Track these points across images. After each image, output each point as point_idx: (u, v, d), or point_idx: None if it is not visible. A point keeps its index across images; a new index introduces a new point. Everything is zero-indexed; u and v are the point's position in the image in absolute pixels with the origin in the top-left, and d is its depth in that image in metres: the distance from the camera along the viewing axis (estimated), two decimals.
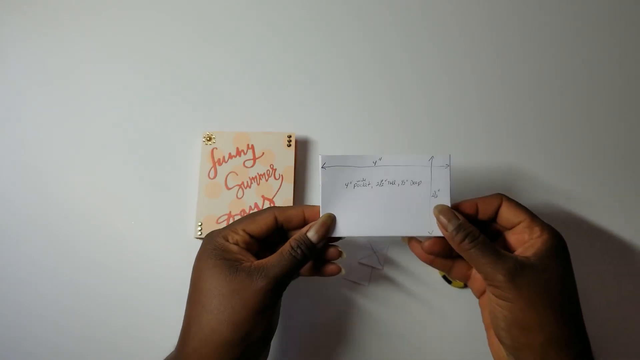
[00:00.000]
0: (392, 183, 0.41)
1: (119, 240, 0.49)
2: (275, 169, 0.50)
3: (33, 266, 0.49)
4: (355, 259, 0.49)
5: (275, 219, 0.41)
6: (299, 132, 0.52)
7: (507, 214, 0.41)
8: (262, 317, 0.37)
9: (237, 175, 0.49)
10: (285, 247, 0.39)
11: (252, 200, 0.49)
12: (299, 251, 0.39)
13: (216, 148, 0.50)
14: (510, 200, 0.41)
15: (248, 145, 0.50)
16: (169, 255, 0.49)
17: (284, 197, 0.49)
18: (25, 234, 0.49)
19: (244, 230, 0.40)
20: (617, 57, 0.54)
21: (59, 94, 0.52)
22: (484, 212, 0.41)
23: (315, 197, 0.51)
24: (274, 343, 0.44)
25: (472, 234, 0.39)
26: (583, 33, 0.55)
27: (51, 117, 0.52)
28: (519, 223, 0.40)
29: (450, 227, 0.39)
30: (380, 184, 0.42)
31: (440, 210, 0.40)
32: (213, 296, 0.37)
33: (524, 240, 0.40)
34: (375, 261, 0.49)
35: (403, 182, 0.41)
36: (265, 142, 0.50)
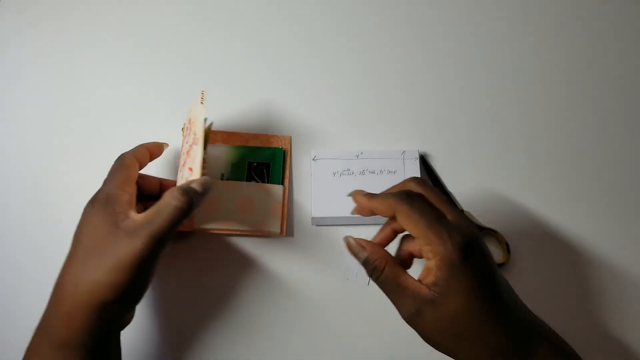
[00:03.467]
0: (372, 172, 0.49)
1: None
2: (195, 134, 0.43)
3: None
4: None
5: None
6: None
7: (403, 224, 0.35)
8: (140, 279, 0.36)
9: (188, 157, 0.44)
10: (167, 200, 0.37)
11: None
12: (185, 198, 0.37)
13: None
14: (405, 207, 0.34)
15: (190, 120, 0.45)
16: None
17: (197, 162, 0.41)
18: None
19: (133, 183, 0.40)
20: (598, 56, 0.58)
21: (51, 88, 0.54)
22: (385, 215, 0.37)
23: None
24: (267, 347, 0.46)
25: (377, 268, 0.36)
26: (573, 35, 0.58)
27: (43, 113, 0.53)
28: (417, 237, 0.34)
29: (360, 261, 0.37)
30: (362, 172, 0.49)
31: (347, 244, 0.38)
32: (92, 255, 0.35)
33: (426, 258, 0.34)
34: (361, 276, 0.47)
35: (381, 172, 0.49)
36: (194, 112, 0.44)
